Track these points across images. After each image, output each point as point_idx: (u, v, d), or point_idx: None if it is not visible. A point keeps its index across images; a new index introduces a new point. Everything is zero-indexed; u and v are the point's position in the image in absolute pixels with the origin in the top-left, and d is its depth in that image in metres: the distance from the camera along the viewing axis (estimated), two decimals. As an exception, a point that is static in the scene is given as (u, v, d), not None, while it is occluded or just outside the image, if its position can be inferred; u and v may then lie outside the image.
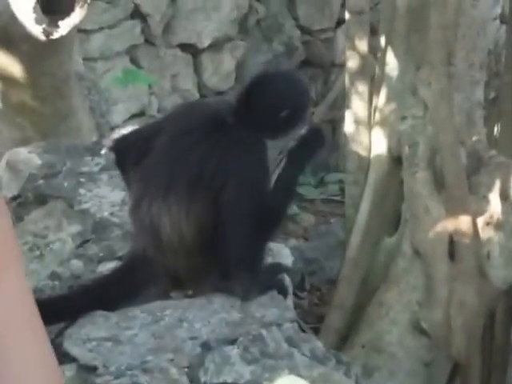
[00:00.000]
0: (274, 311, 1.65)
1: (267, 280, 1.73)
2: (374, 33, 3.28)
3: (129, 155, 1.73)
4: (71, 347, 1.53)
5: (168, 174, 1.64)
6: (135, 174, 1.71)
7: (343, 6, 4.30)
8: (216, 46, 4.31)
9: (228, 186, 1.61)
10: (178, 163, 1.65)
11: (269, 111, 1.66)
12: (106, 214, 1.98)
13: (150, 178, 1.67)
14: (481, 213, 2.95)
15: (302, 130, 1.70)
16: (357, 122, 3.24)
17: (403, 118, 3.05)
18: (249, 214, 1.62)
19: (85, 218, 1.96)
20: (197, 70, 4.31)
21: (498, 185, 2.97)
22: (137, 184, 1.70)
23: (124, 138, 1.83)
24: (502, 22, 4.62)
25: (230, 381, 1.48)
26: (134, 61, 4.00)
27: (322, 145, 1.72)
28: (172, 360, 1.50)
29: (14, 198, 2.10)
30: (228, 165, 1.62)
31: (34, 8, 2.14)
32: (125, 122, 3.84)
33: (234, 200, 1.62)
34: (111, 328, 1.58)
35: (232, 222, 1.62)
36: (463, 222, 2.87)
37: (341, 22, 4.50)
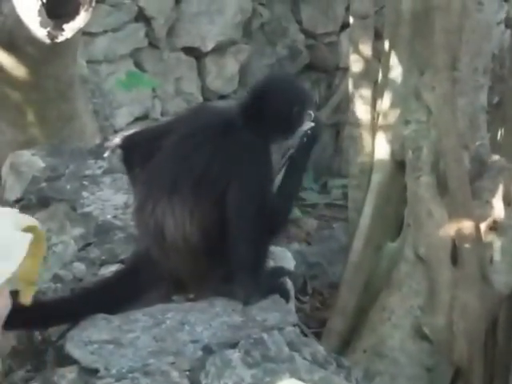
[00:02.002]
0: (275, 315, 1.65)
1: (269, 284, 1.73)
2: (378, 37, 3.29)
3: (136, 154, 1.74)
4: (73, 349, 1.53)
5: (173, 175, 1.65)
6: (141, 174, 1.72)
7: (347, 9, 4.30)
8: (220, 49, 4.32)
9: (231, 187, 1.62)
10: (184, 164, 1.65)
11: (281, 108, 1.69)
12: (108, 216, 1.98)
13: (155, 179, 1.67)
14: (484, 217, 2.95)
15: (305, 128, 1.71)
16: (360, 126, 3.25)
17: (407, 123, 3.05)
18: (252, 216, 1.62)
19: (87, 221, 1.96)
20: (200, 73, 4.32)
21: (501, 189, 2.97)
22: (142, 185, 1.71)
23: (132, 136, 1.84)
24: (506, 26, 4.63)
25: (230, 384, 1.48)
26: (137, 64, 4.01)
27: (319, 134, 1.73)
28: (173, 363, 1.50)
29: (17, 201, 2.11)
30: (232, 167, 1.63)
31: (39, 11, 2.15)
32: (128, 125, 3.85)
33: (237, 202, 1.62)
34: (113, 331, 1.58)
35: (235, 224, 1.62)
36: (466, 226, 2.87)
37: (345, 25, 4.50)
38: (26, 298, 1.04)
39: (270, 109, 1.68)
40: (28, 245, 0.98)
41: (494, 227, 2.96)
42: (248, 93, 1.75)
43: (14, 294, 1.19)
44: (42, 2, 2.15)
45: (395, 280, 3.06)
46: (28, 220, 1.02)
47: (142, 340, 1.56)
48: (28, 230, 1.04)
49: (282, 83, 1.78)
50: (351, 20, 3.25)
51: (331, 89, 4.78)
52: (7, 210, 1.03)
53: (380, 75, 3.21)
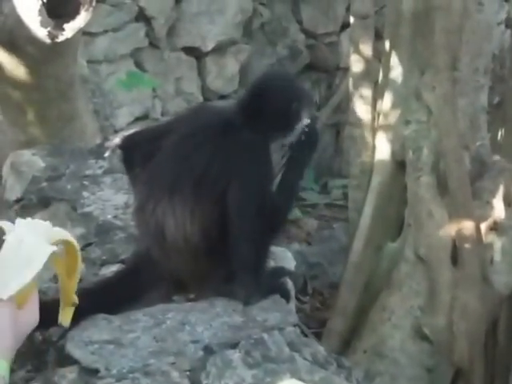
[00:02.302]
0: (276, 315, 1.65)
1: (270, 284, 1.73)
2: (378, 37, 3.28)
3: (135, 154, 1.74)
4: (73, 349, 1.53)
5: (173, 175, 1.65)
6: (141, 174, 1.71)
7: (348, 9, 4.30)
8: (220, 49, 4.31)
9: (232, 187, 1.62)
10: (184, 164, 1.65)
11: (280, 105, 1.69)
12: (109, 216, 1.98)
13: (155, 179, 1.67)
14: (484, 218, 2.95)
15: (303, 125, 1.71)
16: (360, 126, 3.24)
17: (407, 123, 3.05)
18: (252, 215, 1.62)
19: (88, 221, 1.96)
20: (201, 73, 4.32)
21: (501, 190, 2.97)
22: (142, 185, 1.71)
23: (132, 136, 1.84)
24: (506, 26, 4.62)
25: (231, 384, 1.48)
26: (138, 64, 4.01)
27: (317, 140, 1.73)
28: (174, 363, 1.50)
29: (18, 201, 2.10)
30: (232, 166, 1.63)
31: (40, 11, 2.14)
32: (129, 125, 3.84)
33: (238, 202, 1.62)
34: (113, 331, 1.57)
35: (235, 223, 1.62)
36: (466, 227, 2.87)
37: (345, 25, 4.50)
38: (65, 319, 1.02)
39: (268, 106, 1.68)
40: (47, 256, 0.96)
41: (495, 228, 2.95)
42: (246, 91, 1.75)
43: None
44: (43, 2, 2.14)
45: (395, 280, 3.06)
46: (61, 234, 1.00)
47: (142, 340, 1.55)
48: (59, 243, 1.01)
49: (280, 80, 1.78)
50: (352, 20, 3.25)
51: (331, 89, 4.78)
52: (40, 222, 1.01)
53: (380, 75, 3.21)
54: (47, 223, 1.01)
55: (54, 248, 0.98)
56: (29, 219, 1.01)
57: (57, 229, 1.02)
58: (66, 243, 1.02)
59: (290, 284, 1.79)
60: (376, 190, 3.19)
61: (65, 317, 1.03)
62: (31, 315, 0.97)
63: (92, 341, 1.55)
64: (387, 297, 3.07)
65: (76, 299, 1.03)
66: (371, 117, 3.22)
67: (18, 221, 0.99)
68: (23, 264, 0.94)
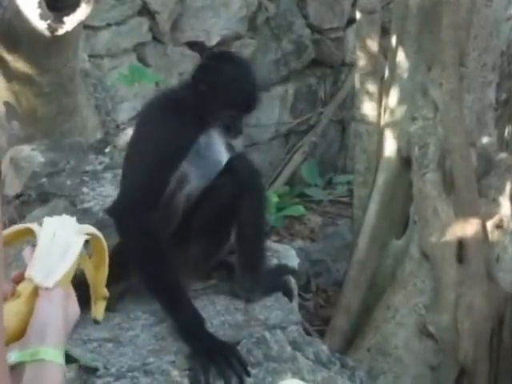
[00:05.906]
0: (278, 314, 1.63)
1: (272, 281, 1.70)
2: (385, 32, 3.25)
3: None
4: (72, 348, 1.50)
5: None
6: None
7: (353, 4, 4.27)
8: (224, 43, 4.28)
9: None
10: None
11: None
12: (109, 212, 1.95)
13: None
14: (490, 216, 2.92)
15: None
16: (366, 122, 3.21)
17: (413, 119, 3.02)
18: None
19: (87, 217, 1.93)
20: (205, 68, 4.28)
21: (508, 187, 2.94)
22: None
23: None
24: (514, 22, 4.57)
25: (232, 384, 1.46)
26: (141, 58, 3.99)
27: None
28: (173, 362, 1.48)
29: (17, 196, 2.08)
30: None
31: (39, 3, 2.11)
32: (130, 121, 3.82)
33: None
34: (113, 329, 1.56)
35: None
36: (472, 224, 2.84)
37: (351, 21, 4.47)
38: (98, 314, 1.02)
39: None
40: (81, 245, 0.98)
41: (501, 225, 2.93)
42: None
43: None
44: (43, -6, 2.12)
45: (400, 278, 3.04)
46: (87, 228, 1.02)
47: (141, 338, 1.54)
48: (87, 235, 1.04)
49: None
50: (358, 15, 3.21)
51: (337, 84, 4.75)
52: (67, 217, 1.03)
53: (387, 71, 3.17)
54: (73, 219, 1.03)
55: (86, 237, 1.00)
56: (56, 217, 1.03)
57: (83, 225, 1.04)
58: (92, 237, 1.03)
59: (292, 282, 1.77)
60: (381, 187, 3.16)
61: (98, 311, 1.03)
62: (74, 305, 0.96)
63: (91, 339, 1.53)
64: (391, 295, 3.04)
65: (107, 292, 1.03)
66: (377, 113, 3.19)
67: (46, 219, 1.01)
68: (60, 254, 0.97)
